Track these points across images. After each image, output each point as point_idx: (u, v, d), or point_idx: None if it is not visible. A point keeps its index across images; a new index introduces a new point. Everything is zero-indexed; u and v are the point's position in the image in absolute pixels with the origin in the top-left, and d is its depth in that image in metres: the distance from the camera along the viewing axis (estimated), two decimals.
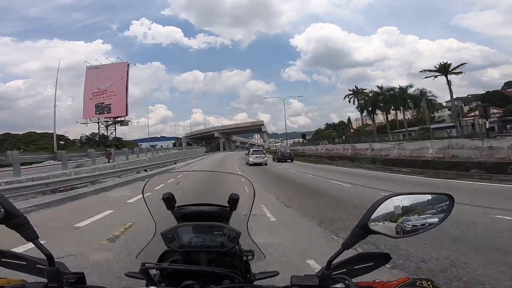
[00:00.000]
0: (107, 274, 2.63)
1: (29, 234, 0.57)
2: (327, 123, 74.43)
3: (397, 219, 0.65)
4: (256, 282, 0.75)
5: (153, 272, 0.71)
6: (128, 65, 45.88)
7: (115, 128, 45.57)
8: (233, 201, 0.81)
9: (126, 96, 44.31)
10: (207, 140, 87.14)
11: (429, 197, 0.67)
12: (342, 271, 0.67)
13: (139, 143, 45.37)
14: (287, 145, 51.07)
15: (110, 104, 43.28)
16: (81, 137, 47.05)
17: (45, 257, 0.58)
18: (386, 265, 0.69)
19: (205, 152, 60.15)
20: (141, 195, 0.85)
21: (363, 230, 0.63)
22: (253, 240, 0.84)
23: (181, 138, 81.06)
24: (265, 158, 21.69)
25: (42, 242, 0.57)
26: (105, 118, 44.06)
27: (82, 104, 44.74)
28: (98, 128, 45.14)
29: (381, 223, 0.64)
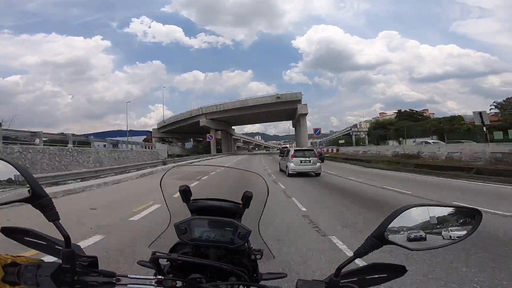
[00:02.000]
0: None
1: (52, 215, 0.59)
2: (398, 110, 55.98)
3: (417, 231, 0.62)
4: (262, 282, 0.75)
5: (163, 262, 0.72)
6: None
7: None
8: (247, 198, 0.81)
9: None
10: (194, 135, 56.53)
11: (454, 210, 0.63)
12: (352, 279, 0.65)
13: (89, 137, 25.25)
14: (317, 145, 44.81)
15: None
16: None
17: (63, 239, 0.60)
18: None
19: (176, 157, 35.99)
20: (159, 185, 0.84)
21: (378, 240, 0.60)
22: (263, 240, 0.84)
23: (154, 132, 54.42)
24: (318, 164, 12.85)
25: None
26: None
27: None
28: None
29: (398, 233, 0.61)
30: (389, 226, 0.59)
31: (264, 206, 0.87)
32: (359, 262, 0.76)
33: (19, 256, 0.63)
